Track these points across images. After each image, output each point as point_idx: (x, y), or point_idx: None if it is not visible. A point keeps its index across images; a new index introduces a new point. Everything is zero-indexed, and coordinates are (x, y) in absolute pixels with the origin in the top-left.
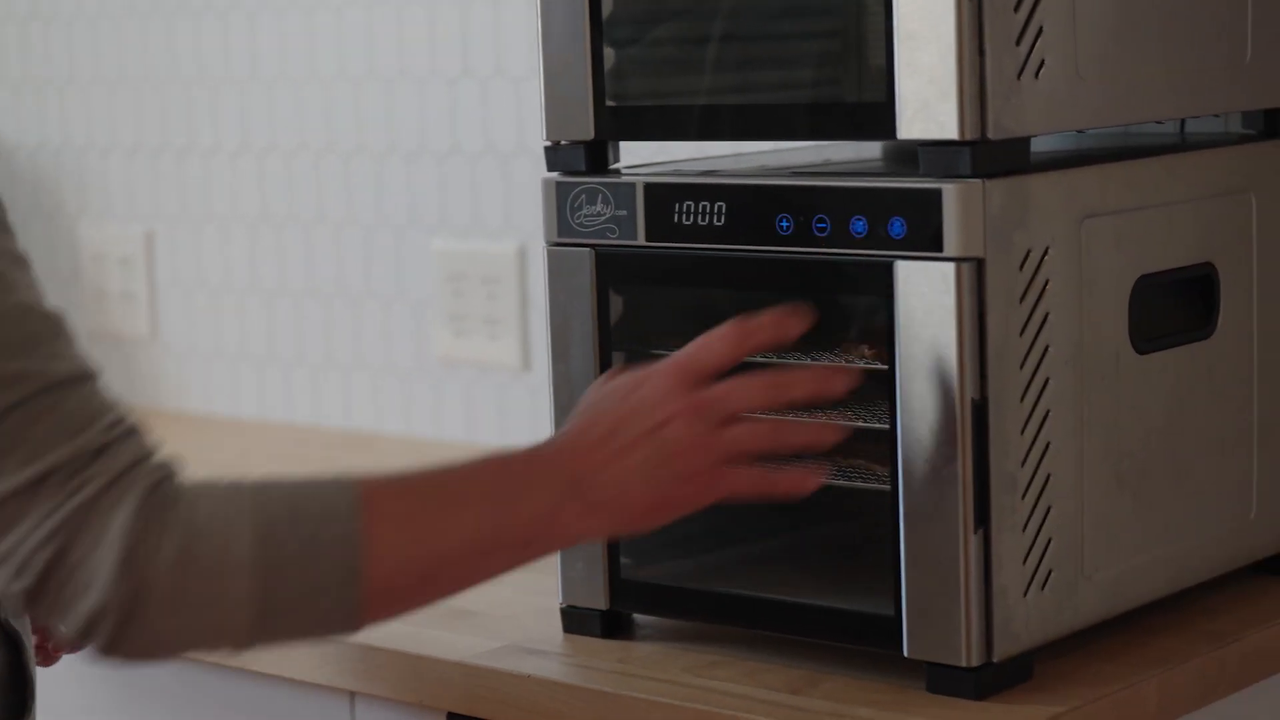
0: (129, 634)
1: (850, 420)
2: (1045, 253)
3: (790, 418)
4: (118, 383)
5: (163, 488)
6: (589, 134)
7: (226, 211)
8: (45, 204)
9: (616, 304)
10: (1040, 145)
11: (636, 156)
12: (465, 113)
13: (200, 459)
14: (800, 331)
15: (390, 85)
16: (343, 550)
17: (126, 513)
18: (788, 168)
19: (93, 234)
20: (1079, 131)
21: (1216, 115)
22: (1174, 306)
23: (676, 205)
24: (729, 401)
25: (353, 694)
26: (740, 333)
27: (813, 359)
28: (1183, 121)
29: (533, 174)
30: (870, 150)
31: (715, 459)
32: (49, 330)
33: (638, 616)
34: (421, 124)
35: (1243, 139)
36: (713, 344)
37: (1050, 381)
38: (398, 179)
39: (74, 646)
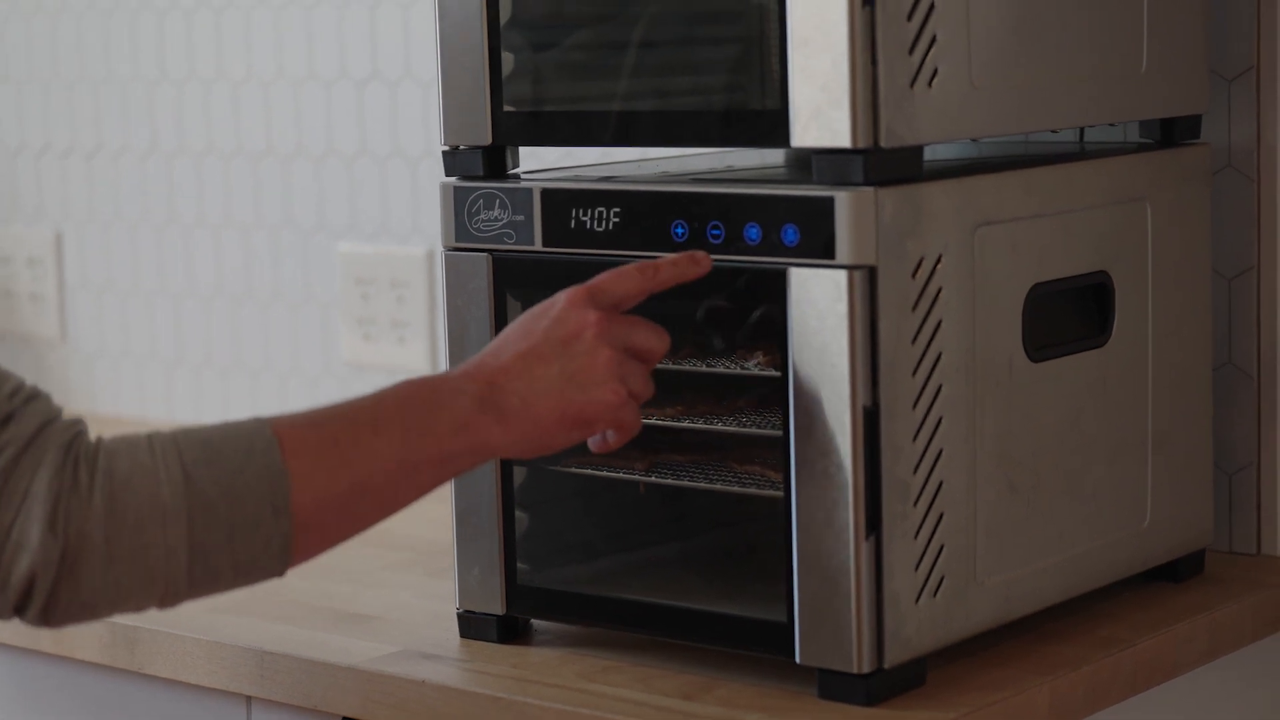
0: (65, 594)
1: (745, 427)
2: (938, 261)
3: (693, 421)
4: None
5: (77, 444)
6: (486, 139)
7: (135, 213)
8: None
9: (514, 309)
10: (941, 152)
11: (543, 161)
12: (373, 116)
13: None
14: (703, 273)
15: (299, 87)
16: (268, 484)
17: (46, 473)
18: (688, 174)
19: (1, 235)
20: (973, 140)
21: (1113, 124)
22: (1069, 314)
23: (573, 210)
24: (616, 295)
25: (249, 699)
26: (646, 269)
27: (708, 365)
28: (1082, 131)
29: (441, 178)
30: (774, 157)
31: (619, 375)
32: None
33: (535, 621)
34: (329, 127)
35: (1140, 148)
36: (621, 276)
37: (943, 389)
38: (306, 182)
39: (8, 616)
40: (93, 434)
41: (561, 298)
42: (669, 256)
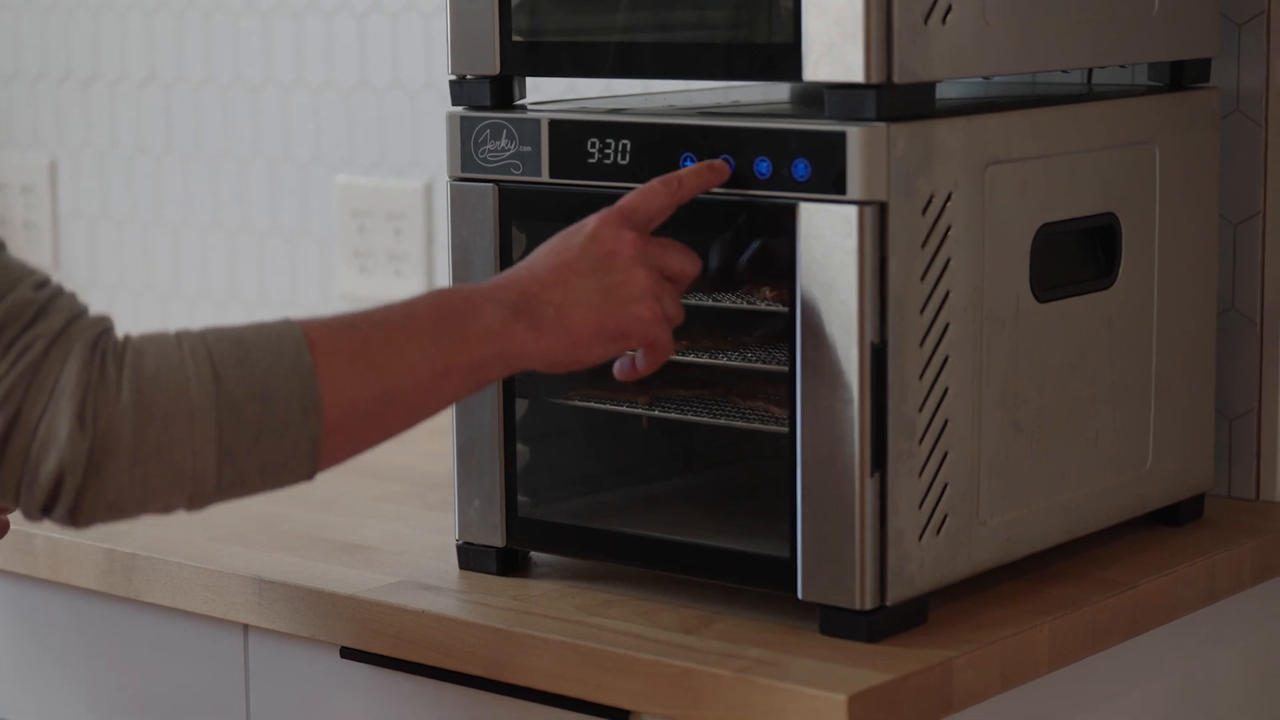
0: (94, 490)
1: (751, 362)
2: (948, 198)
3: (694, 356)
4: None
5: (104, 340)
6: (494, 69)
7: (131, 143)
8: None
9: (519, 240)
10: (948, 91)
11: (545, 94)
12: (373, 47)
13: None
14: (723, 180)
15: (299, 18)
16: (297, 385)
17: (74, 367)
18: (695, 108)
19: None
20: (985, 79)
21: (1122, 66)
22: (1076, 256)
23: (581, 142)
24: (648, 214)
25: (246, 627)
26: (670, 181)
27: (714, 300)
28: (1089, 72)
29: (440, 110)
30: (779, 92)
31: (655, 294)
32: None
33: (535, 554)
34: (329, 57)
35: (1149, 90)
36: (648, 193)
37: (950, 327)
38: (304, 113)
39: (37, 516)
40: (120, 331)
41: (594, 219)
42: (689, 167)
